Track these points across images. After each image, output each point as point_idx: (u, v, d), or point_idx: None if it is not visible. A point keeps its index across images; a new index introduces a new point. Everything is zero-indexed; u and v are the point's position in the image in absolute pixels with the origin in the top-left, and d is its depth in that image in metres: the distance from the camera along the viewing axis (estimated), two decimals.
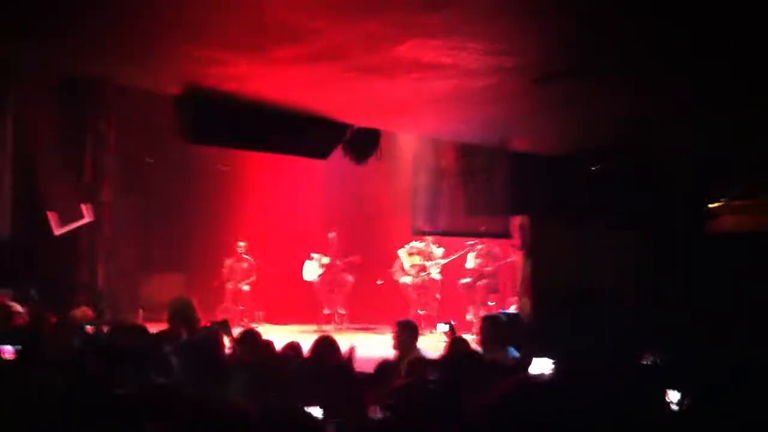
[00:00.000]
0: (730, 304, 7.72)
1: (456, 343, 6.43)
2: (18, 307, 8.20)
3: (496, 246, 11.60)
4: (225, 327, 6.46)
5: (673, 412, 4.22)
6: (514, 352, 6.42)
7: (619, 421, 4.00)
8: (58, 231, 10.55)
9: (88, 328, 6.78)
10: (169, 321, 6.97)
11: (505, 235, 9.69)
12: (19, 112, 10.38)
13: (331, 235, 12.73)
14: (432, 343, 8.55)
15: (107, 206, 11.78)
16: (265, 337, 6.37)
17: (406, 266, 12.21)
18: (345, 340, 6.30)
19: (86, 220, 10.93)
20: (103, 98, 11.08)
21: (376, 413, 4.06)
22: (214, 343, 5.76)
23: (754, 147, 7.28)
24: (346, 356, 5.89)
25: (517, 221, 9.30)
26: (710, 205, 8.29)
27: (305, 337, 6.78)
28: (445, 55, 4.84)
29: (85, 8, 4.21)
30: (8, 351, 5.03)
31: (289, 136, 6.82)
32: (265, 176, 13.29)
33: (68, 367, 4.81)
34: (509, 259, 11.27)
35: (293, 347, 6.11)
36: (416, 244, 12.21)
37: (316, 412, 3.88)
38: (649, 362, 5.36)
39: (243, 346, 6.09)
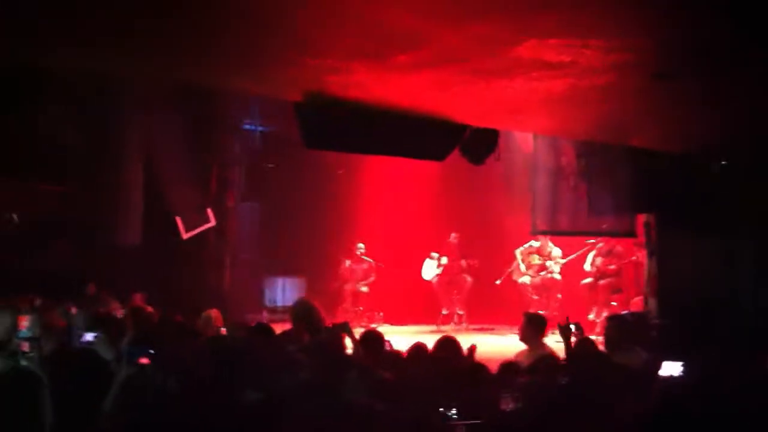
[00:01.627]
0: None
1: (583, 344, 6.32)
2: (150, 309, 8.59)
3: (618, 245, 11.31)
4: (346, 329, 6.54)
5: None
6: (642, 354, 6.25)
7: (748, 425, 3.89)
8: (185, 235, 10.98)
9: (222, 330, 6.98)
10: (293, 323, 7.10)
11: (630, 233, 9.47)
12: (148, 124, 10.89)
13: (453, 236, 12.73)
14: (554, 344, 8.42)
15: (232, 212, 12.17)
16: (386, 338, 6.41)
17: (523, 267, 12.07)
18: (464, 341, 6.28)
19: (211, 224, 11.33)
20: (228, 109, 11.46)
21: (508, 405, 4.04)
22: (336, 345, 5.83)
23: None
24: (467, 356, 5.88)
25: (641, 219, 9.06)
26: None
27: (425, 338, 6.80)
28: (564, 54, 4.77)
29: (209, 21, 4.36)
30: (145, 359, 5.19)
31: (407, 139, 6.87)
32: (384, 178, 13.43)
33: (198, 371, 4.97)
34: (632, 258, 10.98)
35: (419, 348, 6.13)
36: (534, 244, 12.07)
37: (450, 412, 3.89)
38: None
39: (365, 347, 6.15)
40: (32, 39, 4.79)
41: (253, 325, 7.03)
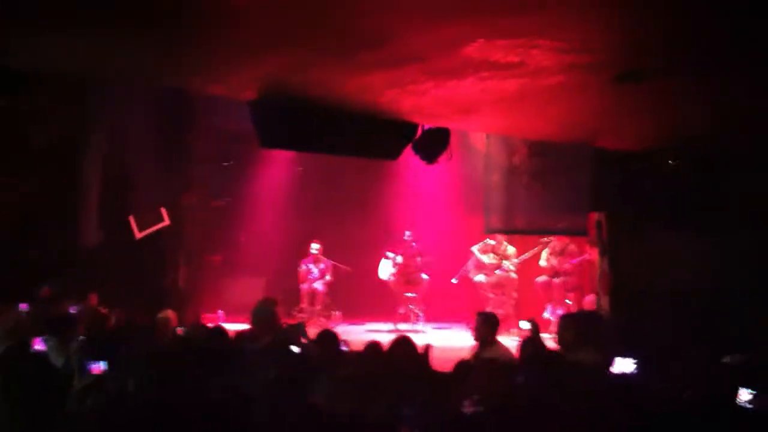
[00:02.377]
0: None
1: (535, 343, 6.40)
2: (104, 310, 8.49)
3: (571, 243, 11.46)
4: (301, 329, 6.54)
5: (745, 410, 4.15)
6: (595, 352, 6.35)
7: (698, 418, 3.97)
8: (138, 235, 10.87)
9: (179, 330, 6.93)
10: (253, 323, 7.09)
11: (584, 232, 9.59)
12: (109, 121, 10.77)
13: (408, 234, 12.77)
14: (508, 342, 8.51)
15: (189, 210, 12.07)
16: (342, 337, 6.43)
17: (479, 264, 12.17)
18: (421, 339, 6.32)
19: (164, 223, 11.23)
20: (189, 107, 11.36)
21: (468, 408, 4.08)
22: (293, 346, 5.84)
23: None
24: (422, 354, 5.92)
25: (591, 218, 9.19)
26: None
27: (381, 337, 6.83)
28: (512, 54, 4.82)
29: (164, 17, 4.32)
30: (99, 367, 5.14)
31: (360, 137, 6.91)
32: (340, 177, 13.45)
33: (161, 370, 4.94)
34: (585, 256, 11.12)
35: (374, 346, 6.15)
36: (489, 242, 12.16)
37: (404, 411, 3.91)
38: (726, 361, 5.26)
39: (321, 346, 6.16)
40: None
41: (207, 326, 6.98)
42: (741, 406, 4.25)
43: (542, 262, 11.73)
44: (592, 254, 10.27)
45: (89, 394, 4.55)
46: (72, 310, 7.99)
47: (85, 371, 5.14)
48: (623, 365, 5.48)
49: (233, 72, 5.52)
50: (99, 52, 5.04)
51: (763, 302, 7.56)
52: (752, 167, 7.76)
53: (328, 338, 6.33)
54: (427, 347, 6.10)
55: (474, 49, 4.73)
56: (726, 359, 5.29)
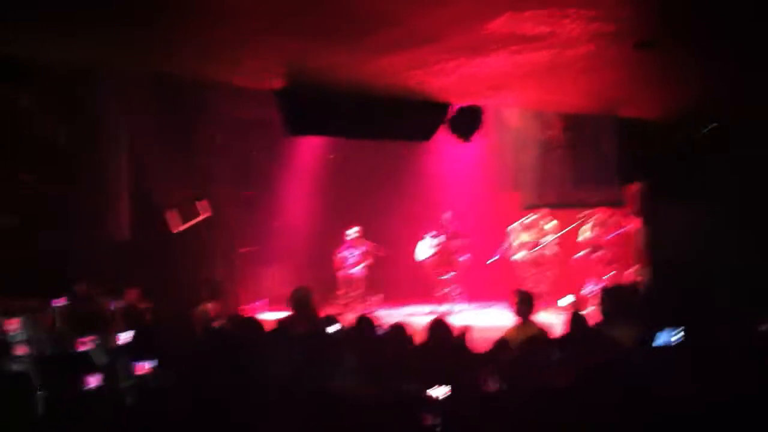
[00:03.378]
0: None
1: (576, 320, 6.33)
2: (145, 304, 8.57)
3: (611, 216, 11.29)
4: (332, 321, 6.52)
5: None
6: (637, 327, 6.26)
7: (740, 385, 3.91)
8: (176, 229, 10.94)
9: (216, 322, 6.96)
10: (292, 310, 7.11)
11: (619, 203, 9.45)
12: (134, 117, 10.81)
13: (446, 215, 12.70)
14: (547, 319, 8.43)
15: (221, 202, 12.12)
16: (382, 320, 6.41)
17: (518, 243, 12.07)
18: (460, 320, 6.28)
19: (204, 215, 11.29)
20: (209, 98, 11.38)
21: (490, 385, 4.04)
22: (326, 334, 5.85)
23: None
24: (460, 336, 5.88)
25: (631, 189, 9.04)
26: None
27: (421, 319, 6.80)
28: (542, 25, 4.72)
29: (181, 8, 4.31)
30: (144, 367, 5.15)
31: (391, 121, 6.85)
32: (375, 160, 13.40)
33: (195, 363, 4.98)
34: (624, 229, 10.96)
35: (399, 328, 6.13)
36: (528, 219, 12.04)
37: (438, 391, 3.89)
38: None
39: (359, 331, 6.15)
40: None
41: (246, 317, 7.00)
42: None
43: (581, 237, 11.58)
44: (633, 226, 10.16)
45: (132, 392, 4.60)
46: (111, 306, 8.08)
47: (129, 370, 5.16)
48: (666, 337, 5.40)
49: (251, 61, 5.49)
50: (115, 44, 5.05)
51: None
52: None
53: (365, 323, 6.32)
54: (465, 329, 6.07)
55: (500, 24, 4.64)
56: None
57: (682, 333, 5.33)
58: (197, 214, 11.30)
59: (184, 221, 11.10)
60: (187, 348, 5.77)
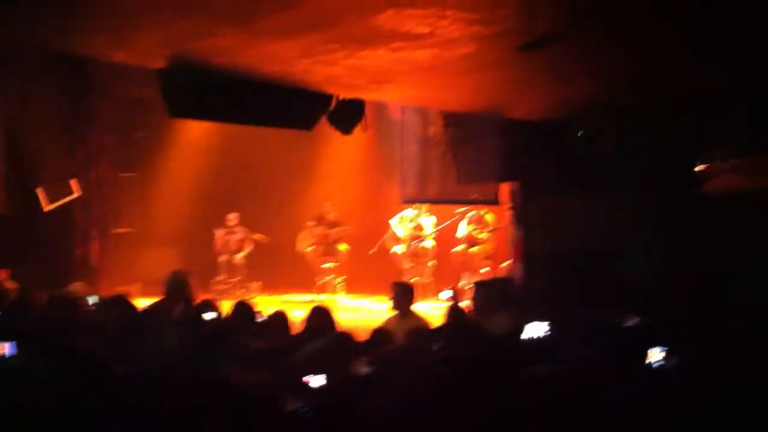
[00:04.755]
0: (724, 265, 7.69)
1: (455, 311, 6.51)
2: (12, 284, 8.25)
3: (487, 213, 11.62)
4: (210, 308, 6.46)
5: (655, 369, 4.30)
6: (508, 318, 6.47)
7: (605, 379, 4.10)
8: (47, 207, 10.58)
9: (90, 302, 6.76)
10: (166, 294, 7.00)
11: (495, 201, 9.75)
12: (11, 89, 10.37)
13: (327, 205, 12.76)
14: (425, 311, 8.62)
15: (101, 181, 11.79)
16: (258, 308, 6.40)
17: (400, 233, 12.25)
18: (339, 310, 6.35)
19: (75, 195, 10.95)
20: (97, 75, 11.04)
21: (361, 369, 4.11)
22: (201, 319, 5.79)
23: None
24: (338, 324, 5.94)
25: (508, 187, 9.34)
26: (701, 166, 8.24)
27: (300, 308, 6.83)
28: (422, 25, 4.83)
29: None
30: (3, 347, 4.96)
31: (274, 108, 6.83)
32: (256, 147, 13.28)
33: (64, 345, 4.83)
34: (501, 225, 11.31)
35: (280, 315, 6.15)
36: (407, 213, 12.24)
37: (317, 380, 3.93)
38: (632, 323, 5.43)
39: (237, 318, 6.13)
40: None
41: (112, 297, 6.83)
42: (652, 365, 4.40)
43: (459, 233, 11.87)
44: (508, 223, 10.50)
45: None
46: None
47: None
48: (535, 330, 5.59)
49: (134, 37, 5.36)
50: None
51: (655, 263, 7.84)
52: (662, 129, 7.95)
53: (243, 309, 6.31)
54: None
55: (385, 19, 4.72)
56: (631, 321, 5.45)
57: (548, 326, 5.53)
58: (69, 193, 10.95)
59: (55, 199, 10.75)
60: (53, 329, 5.59)
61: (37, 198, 10.53)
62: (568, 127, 8.11)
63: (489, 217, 11.66)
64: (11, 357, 4.73)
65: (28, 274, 9.07)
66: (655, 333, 4.91)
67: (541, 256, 8.52)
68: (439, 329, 5.73)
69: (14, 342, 4.73)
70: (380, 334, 5.62)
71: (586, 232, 8.09)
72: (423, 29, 4.89)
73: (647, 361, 4.33)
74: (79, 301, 6.35)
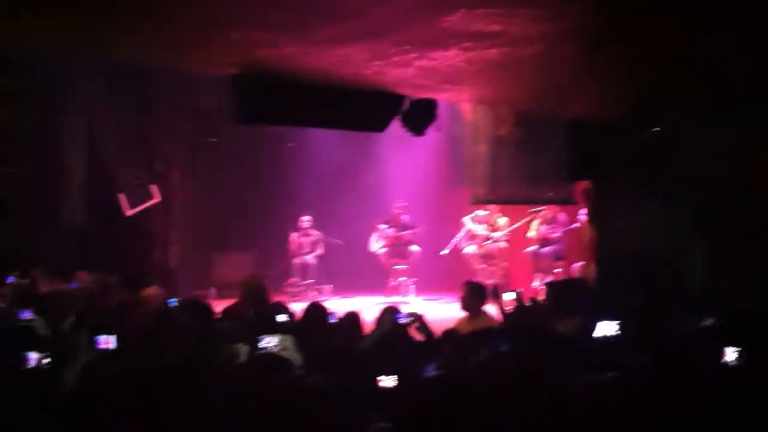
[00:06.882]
0: None
1: (519, 313, 6.46)
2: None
3: (560, 212, 11.50)
4: (282, 310, 6.55)
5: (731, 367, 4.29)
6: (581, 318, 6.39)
7: (681, 377, 4.04)
8: (128, 212, 10.90)
9: (170, 305, 6.91)
10: (240, 298, 7.12)
11: (569, 201, 9.63)
12: (89, 103, 10.75)
13: (397, 206, 12.80)
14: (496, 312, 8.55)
15: (177, 188, 12.07)
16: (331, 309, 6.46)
17: (469, 236, 12.20)
18: (412, 311, 6.35)
19: (155, 200, 11.25)
20: (166, 86, 11.32)
21: (430, 371, 4.12)
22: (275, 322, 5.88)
23: None
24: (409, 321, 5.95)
25: (580, 187, 9.22)
26: None
27: (373, 309, 6.86)
28: (494, 23, 4.82)
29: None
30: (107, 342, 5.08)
31: (345, 111, 6.88)
32: (329, 150, 13.43)
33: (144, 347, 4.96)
34: (574, 225, 11.17)
35: (353, 316, 6.20)
36: (480, 213, 12.19)
37: (388, 381, 3.95)
38: (708, 324, 5.33)
39: (309, 319, 6.20)
40: None
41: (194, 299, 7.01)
42: (728, 365, 4.35)
43: (531, 233, 11.76)
44: (582, 223, 10.36)
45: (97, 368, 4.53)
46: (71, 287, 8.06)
47: (84, 347, 5.10)
48: (605, 329, 5.52)
49: (204, 49, 5.49)
50: (68, 32, 5.03)
51: (718, 266, 7.63)
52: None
53: (315, 311, 6.37)
54: (415, 316, 6.13)
55: (457, 18, 4.72)
56: (705, 322, 5.34)
57: (619, 326, 5.46)
58: (150, 198, 11.26)
59: (136, 205, 11.06)
60: (133, 331, 5.74)
61: (116, 205, 10.85)
62: (641, 126, 7.94)
63: (561, 217, 11.53)
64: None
65: (107, 279, 9.32)
66: (731, 333, 4.83)
67: (615, 256, 8.36)
68: (503, 331, 5.72)
69: (116, 336, 4.89)
70: (449, 334, 5.62)
71: (659, 233, 7.92)
72: (495, 28, 4.88)
73: (723, 360, 4.28)
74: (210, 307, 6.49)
